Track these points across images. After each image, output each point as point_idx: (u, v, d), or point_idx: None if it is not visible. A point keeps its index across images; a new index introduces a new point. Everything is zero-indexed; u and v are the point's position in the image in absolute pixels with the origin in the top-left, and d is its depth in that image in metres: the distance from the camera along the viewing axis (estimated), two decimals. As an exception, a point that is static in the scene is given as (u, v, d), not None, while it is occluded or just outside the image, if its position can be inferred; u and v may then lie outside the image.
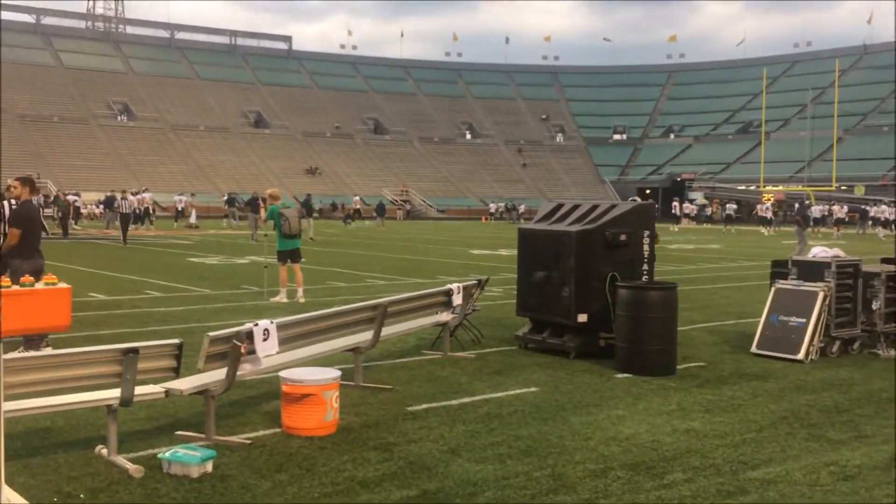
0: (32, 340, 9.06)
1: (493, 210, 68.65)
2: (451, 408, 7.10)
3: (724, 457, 5.84)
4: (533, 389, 7.82)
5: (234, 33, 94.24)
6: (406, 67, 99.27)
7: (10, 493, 4.70)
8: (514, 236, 10.72)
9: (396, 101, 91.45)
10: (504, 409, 7.05)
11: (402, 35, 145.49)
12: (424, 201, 73.22)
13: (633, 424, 6.63)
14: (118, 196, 33.77)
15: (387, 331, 8.29)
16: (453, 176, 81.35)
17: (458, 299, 9.33)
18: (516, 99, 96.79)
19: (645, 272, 9.41)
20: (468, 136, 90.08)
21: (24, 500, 4.69)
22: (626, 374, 8.40)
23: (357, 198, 60.14)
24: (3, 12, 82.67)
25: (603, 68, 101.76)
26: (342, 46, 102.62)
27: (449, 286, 9.43)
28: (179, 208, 45.79)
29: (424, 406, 7.14)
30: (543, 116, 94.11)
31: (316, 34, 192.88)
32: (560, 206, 10.27)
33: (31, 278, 4.94)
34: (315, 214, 37.63)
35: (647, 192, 75.54)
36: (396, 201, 69.87)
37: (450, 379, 8.22)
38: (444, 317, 9.37)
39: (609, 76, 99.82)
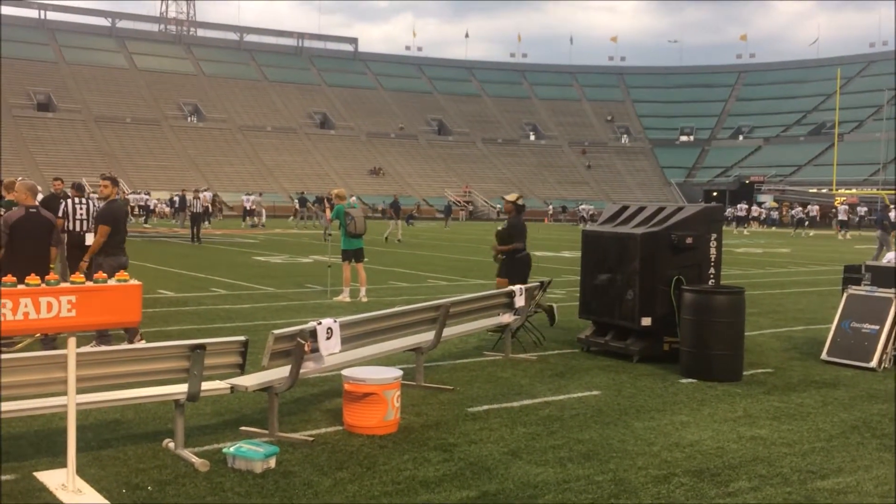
0: (105, 335, 9.32)
1: (550, 212, 68.46)
2: (512, 409, 7.07)
3: (791, 466, 5.70)
4: (595, 393, 7.74)
5: (301, 35, 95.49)
6: (470, 68, 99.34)
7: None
8: (576, 238, 10.64)
9: (460, 102, 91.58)
10: (565, 412, 6.99)
11: (466, 36, 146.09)
12: (487, 202, 73.12)
13: (698, 430, 6.51)
14: (190, 195, 34.51)
15: (448, 331, 8.30)
16: (516, 177, 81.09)
17: (520, 301, 9.29)
18: (581, 100, 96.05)
19: (712, 276, 9.23)
20: (532, 138, 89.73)
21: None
22: (690, 380, 8.26)
23: (417, 203, 60.16)
24: (80, 16, 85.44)
25: (670, 69, 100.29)
26: (407, 48, 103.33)
27: (511, 287, 9.39)
28: (247, 207, 46.56)
29: (485, 407, 7.13)
30: (608, 118, 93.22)
31: (381, 35, 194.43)
32: (625, 207, 10.15)
33: (105, 275, 5.08)
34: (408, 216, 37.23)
35: (714, 194, 74.22)
36: (459, 202, 69.92)
37: (511, 380, 8.20)
38: (506, 318, 9.34)
39: (676, 76, 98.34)
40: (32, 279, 4.76)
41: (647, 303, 8.99)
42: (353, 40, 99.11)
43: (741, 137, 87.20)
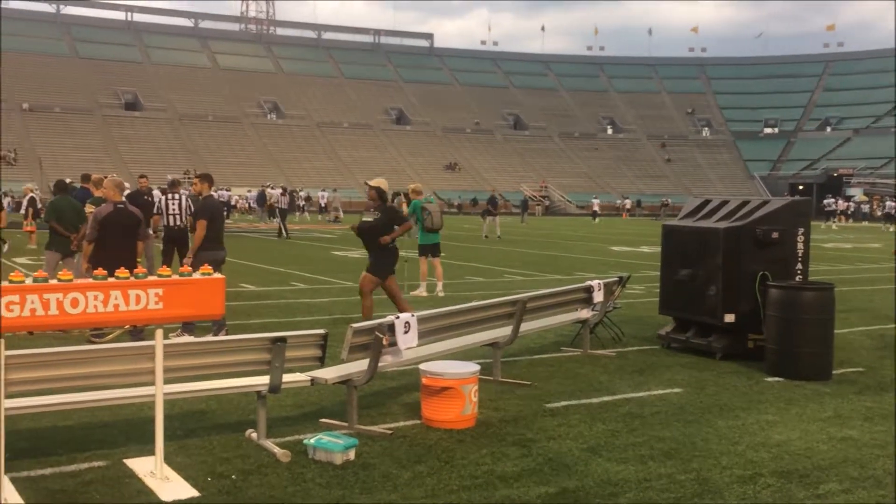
0: (189, 326, 9.57)
1: (627, 206, 67.52)
2: (591, 406, 6.98)
3: (884, 468, 5.48)
4: (676, 390, 7.58)
5: (377, 32, 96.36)
6: (547, 62, 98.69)
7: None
8: (656, 233, 10.43)
9: (537, 96, 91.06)
10: (646, 410, 6.87)
11: (542, 29, 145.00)
12: (564, 197, 72.57)
13: (785, 430, 6.31)
14: (278, 191, 35.15)
15: (526, 326, 8.25)
16: (593, 171, 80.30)
17: (598, 296, 9.17)
18: (660, 92, 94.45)
19: (799, 272, 8.94)
20: (609, 131, 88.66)
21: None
22: (776, 378, 8.02)
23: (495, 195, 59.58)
24: (164, 17, 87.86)
25: (753, 59, 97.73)
26: (483, 42, 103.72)
27: (589, 282, 9.28)
28: (322, 203, 47.18)
29: (563, 403, 7.05)
30: (689, 110, 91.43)
31: (457, 30, 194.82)
32: (707, 201, 9.91)
33: (190, 268, 5.20)
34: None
35: (801, 187, 72.10)
36: (535, 197, 69.55)
37: (589, 377, 8.10)
38: (584, 314, 9.23)
39: (760, 67, 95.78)
40: (122, 272, 4.90)
41: (730, 299, 8.76)
42: (429, 36, 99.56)
43: (829, 129, 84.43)
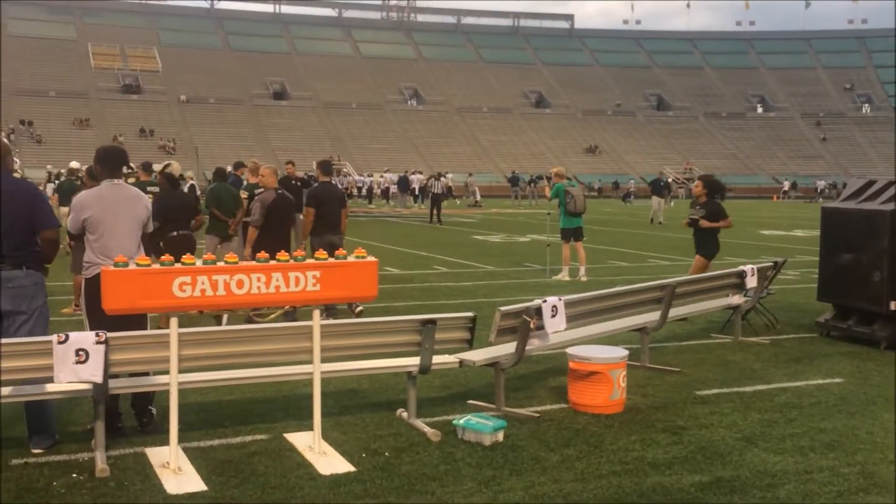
0: (332, 308, 9.84)
1: (786, 188, 64.47)
2: (745, 394, 6.77)
3: None
4: (837, 380, 7.24)
5: (516, 15, 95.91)
6: (692, 40, 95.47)
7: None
8: (809, 216, 9.95)
9: (681, 75, 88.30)
10: (804, 400, 6.59)
11: (688, 6, 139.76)
12: (709, 179, 70.15)
13: (959, 426, 5.91)
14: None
15: (674, 312, 8.07)
16: (742, 152, 77.26)
17: (751, 281, 8.84)
18: (815, 68, 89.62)
19: (974, 256, 8.32)
20: (759, 110, 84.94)
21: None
22: (948, 370, 7.52)
23: (632, 181, 57.78)
24: (309, 8, 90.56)
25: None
26: (625, 21, 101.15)
27: (742, 267, 8.97)
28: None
29: (715, 391, 6.87)
30: (847, 86, 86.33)
31: (598, 10, 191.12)
32: (871, 182, 9.35)
33: (345, 251, 5.38)
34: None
35: (973, 167, 66.89)
36: (679, 180, 67.61)
37: (742, 364, 7.84)
38: (736, 300, 8.94)
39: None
40: (282, 255, 5.13)
41: (896, 285, 8.26)
42: (569, 17, 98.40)
43: None
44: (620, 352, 6.38)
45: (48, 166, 42.72)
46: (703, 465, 5.13)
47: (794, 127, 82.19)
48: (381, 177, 51.35)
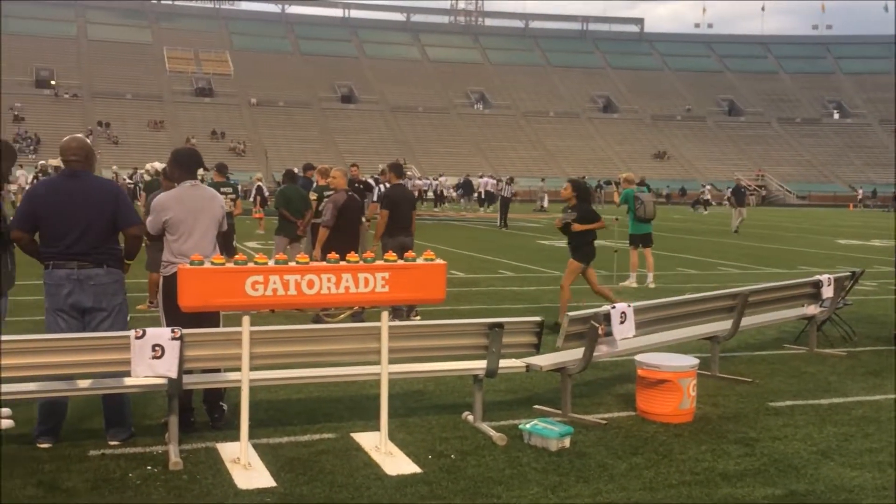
0: (399, 310, 9.90)
1: (859, 196, 62.59)
2: (820, 407, 6.58)
3: None
4: (918, 395, 6.99)
5: (585, 19, 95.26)
6: (766, 44, 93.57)
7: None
8: (887, 225, 9.64)
9: (754, 80, 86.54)
10: (883, 414, 6.39)
11: (762, 9, 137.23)
12: (782, 186, 68.64)
13: None
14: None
15: (746, 321, 7.90)
16: (817, 159, 75.31)
17: (827, 291, 8.60)
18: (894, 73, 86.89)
19: None
20: (836, 116, 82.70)
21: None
22: None
23: (708, 186, 56.35)
24: (378, 13, 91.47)
25: None
26: (696, 25, 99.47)
27: (818, 277, 8.73)
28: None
29: (788, 403, 6.70)
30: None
31: (669, 14, 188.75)
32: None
33: (413, 254, 5.41)
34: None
35: None
36: (751, 187, 66.22)
37: (817, 376, 7.63)
38: (811, 310, 8.70)
39: None
40: (352, 256, 5.18)
41: (982, 298, 7.95)
42: (639, 21, 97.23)
43: None
44: (691, 360, 6.27)
45: (113, 167, 44.02)
46: (777, 478, 5.00)
47: (871, 134, 79.84)
48: (436, 180, 51.42)
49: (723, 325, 7.70)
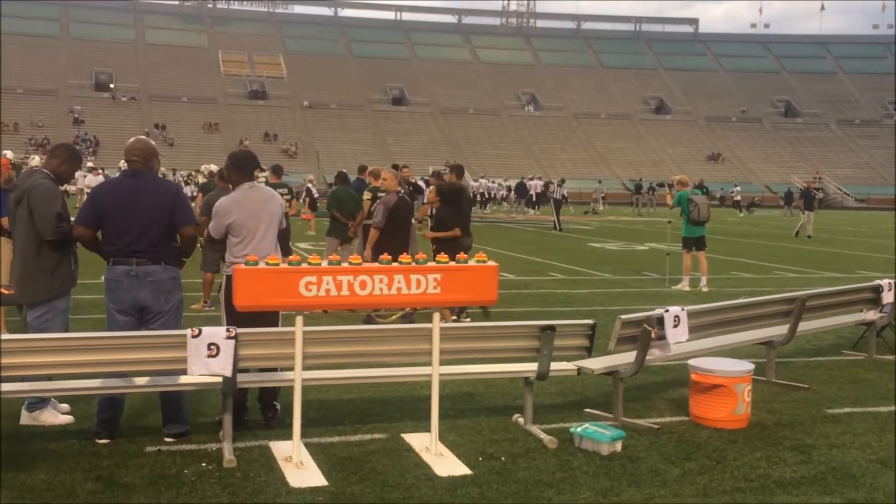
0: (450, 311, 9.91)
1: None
2: (880, 415, 6.43)
3: None
4: (982, 405, 6.78)
5: (638, 20, 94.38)
6: (825, 44, 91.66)
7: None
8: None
9: (812, 80, 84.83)
10: (946, 424, 6.21)
11: (821, 8, 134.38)
12: (840, 189, 67.15)
13: None
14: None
15: (804, 326, 7.75)
16: (876, 161, 73.48)
17: (888, 297, 8.39)
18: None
19: None
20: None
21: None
22: None
23: (737, 188, 54.73)
24: (430, 15, 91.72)
25: None
26: (752, 25, 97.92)
27: (877, 282, 8.52)
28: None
29: (846, 410, 6.56)
30: None
31: (724, 14, 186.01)
32: None
33: (465, 255, 5.42)
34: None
35: None
36: (809, 189, 64.85)
37: (876, 384, 7.45)
38: (871, 315, 8.50)
39: None
40: (405, 258, 5.20)
41: None
42: (694, 21, 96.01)
43: None
44: (746, 365, 6.17)
45: (161, 169, 44.83)
46: (834, 486, 4.90)
47: (935, 135, 77.71)
48: (476, 182, 51.17)
49: (779, 330, 7.56)
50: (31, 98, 64.80)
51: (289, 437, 5.24)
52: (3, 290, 7.05)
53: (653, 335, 6.10)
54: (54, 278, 5.66)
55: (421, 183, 20.69)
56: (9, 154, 11.51)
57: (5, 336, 5.12)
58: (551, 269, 16.54)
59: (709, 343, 7.08)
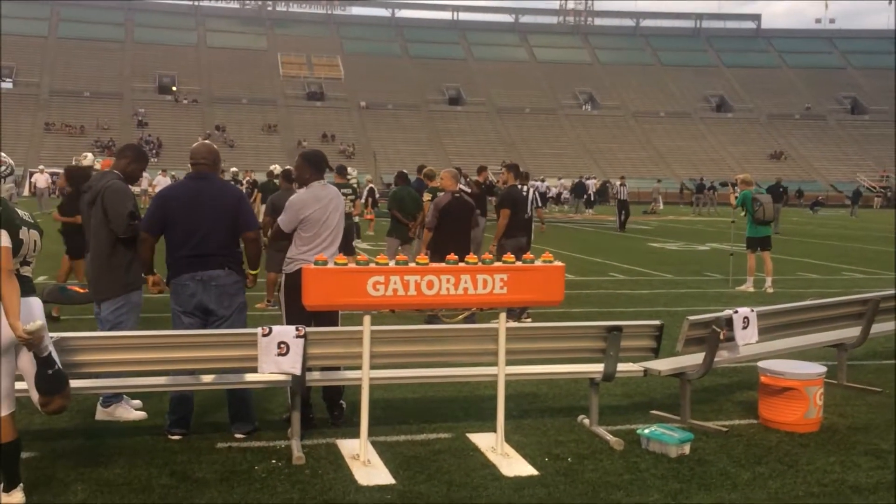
0: (513, 311, 9.89)
1: None
2: (958, 421, 6.23)
3: None
4: None
5: (699, 17, 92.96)
6: (892, 39, 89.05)
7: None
8: None
9: (880, 77, 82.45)
10: None
11: (889, 3, 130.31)
12: (909, 187, 65.23)
13: None
14: (617, 183, 34.98)
15: (876, 328, 7.55)
16: (947, 159, 71.22)
17: (965, 298, 8.12)
18: None
19: None
20: (969, 113, 78.05)
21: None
22: None
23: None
24: (487, 14, 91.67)
25: None
26: (817, 21, 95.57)
27: (954, 283, 8.26)
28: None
29: (923, 415, 6.37)
30: None
31: (787, 10, 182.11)
32: None
33: (531, 255, 5.40)
34: None
35: None
36: (874, 188, 63.23)
37: (954, 388, 7.23)
38: (946, 317, 8.23)
39: None
40: (471, 258, 5.21)
41: None
42: (756, 17, 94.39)
43: None
44: (818, 368, 6.04)
45: (232, 169, 45.55)
46: (913, 493, 4.77)
47: None
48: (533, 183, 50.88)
49: (851, 332, 7.38)
50: (97, 101, 66.58)
51: (355, 435, 5.29)
52: (77, 289, 7.26)
53: (721, 336, 6.01)
54: (128, 274, 5.82)
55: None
56: (89, 156, 11.88)
57: (80, 334, 5.27)
58: (611, 270, 16.39)
59: (778, 345, 6.94)
